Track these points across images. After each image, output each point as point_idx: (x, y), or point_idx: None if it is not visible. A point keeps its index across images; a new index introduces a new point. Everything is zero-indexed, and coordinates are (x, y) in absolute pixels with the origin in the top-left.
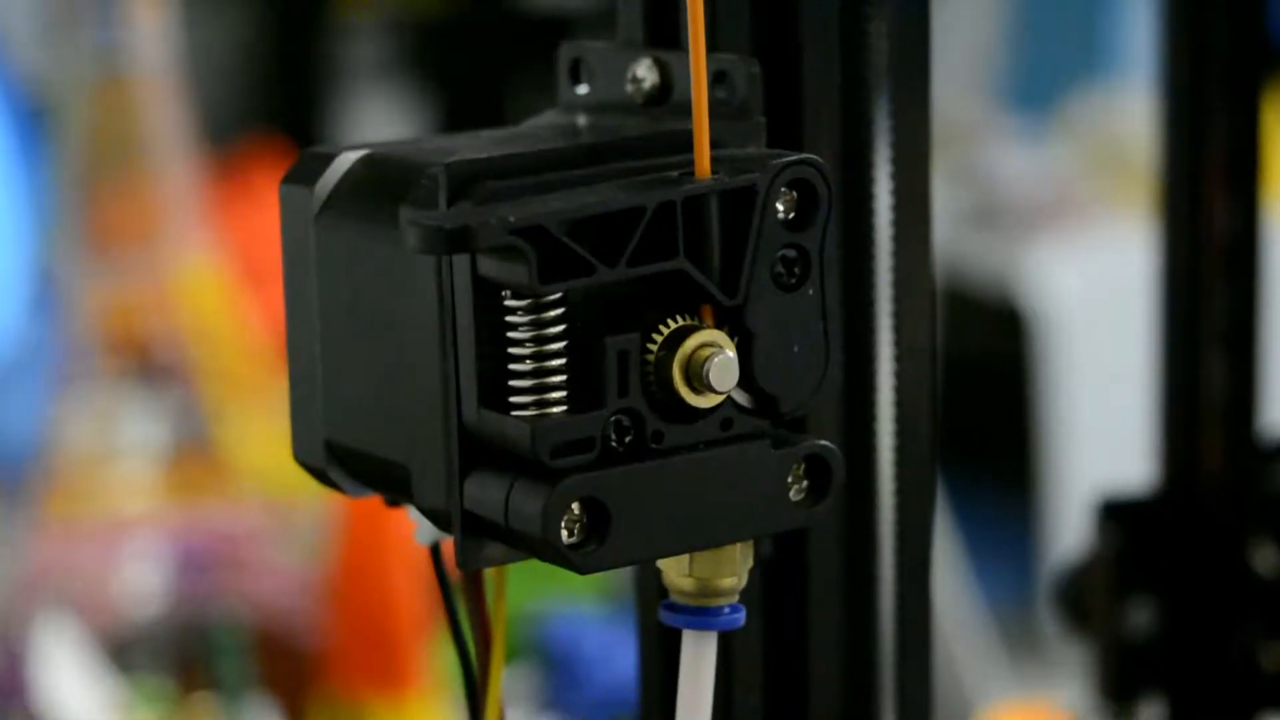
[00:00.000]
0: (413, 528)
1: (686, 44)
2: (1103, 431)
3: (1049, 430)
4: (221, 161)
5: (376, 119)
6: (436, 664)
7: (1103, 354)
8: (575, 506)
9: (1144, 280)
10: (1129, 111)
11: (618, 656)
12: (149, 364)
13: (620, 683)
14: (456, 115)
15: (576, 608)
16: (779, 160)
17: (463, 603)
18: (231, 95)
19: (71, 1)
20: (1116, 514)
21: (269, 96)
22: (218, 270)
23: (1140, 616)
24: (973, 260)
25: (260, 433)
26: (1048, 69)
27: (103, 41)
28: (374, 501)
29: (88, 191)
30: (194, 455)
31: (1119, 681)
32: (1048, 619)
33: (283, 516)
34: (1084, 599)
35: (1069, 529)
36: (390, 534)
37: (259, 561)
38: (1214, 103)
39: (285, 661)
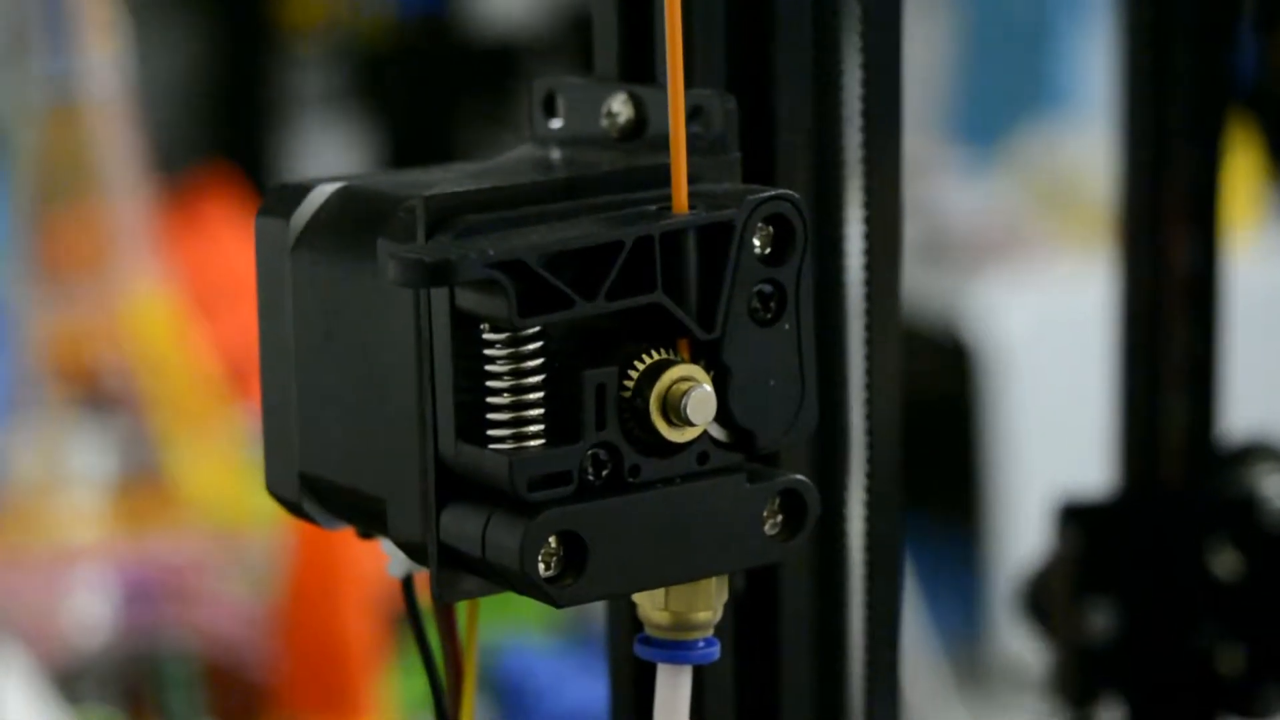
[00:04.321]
0: (363, 556)
1: (661, 79)
2: (1048, 466)
3: (995, 464)
4: (172, 191)
5: (325, 148)
6: (387, 693)
7: (1050, 389)
8: (553, 540)
9: (1091, 314)
10: (1076, 146)
11: (568, 688)
12: (98, 393)
13: (570, 714)
14: (404, 144)
15: (527, 639)
16: (756, 196)
17: (434, 634)
18: (182, 125)
19: (23, 30)
20: (1076, 516)
21: (219, 126)
22: (167, 300)
23: (1099, 619)
24: (919, 294)
25: (209, 463)
26: (995, 103)
27: (54, 70)
28: (323, 531)
29: (38, 220)
30: (142, 485)
31: (1078, 684)
32: (994, 650)
33: (231, 547)
34: (1046, 601)
35: (1015, 560)
36: (340, 565)
37: (207, 592)
38: (1176, 137)
39: (234, 692)
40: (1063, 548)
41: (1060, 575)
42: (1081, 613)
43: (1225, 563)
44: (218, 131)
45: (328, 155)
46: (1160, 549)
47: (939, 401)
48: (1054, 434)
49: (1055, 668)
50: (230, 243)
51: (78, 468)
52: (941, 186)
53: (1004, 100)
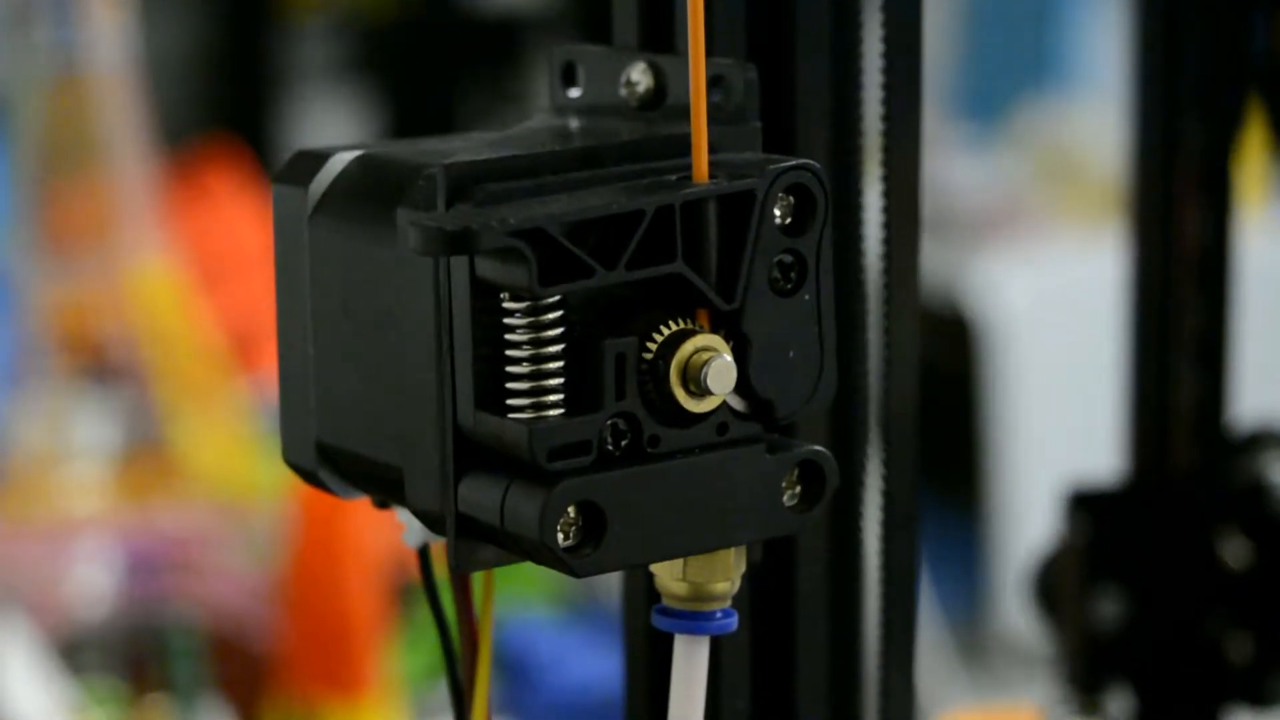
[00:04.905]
0: (367, 529)
1: (681, 48)
2: (1051, 439)
3: (997, 438)
4: (176, 162)
5: (328, 120)
6: (390, 666)
7: (1052, 363)
8: (571, 510)
9: (1094, 289)
10: (1078, 121)
11: (571, 661)
12: (102, 364)
13: (574, 687)
14: (407, 116)
15: (532, 612)
16: (777, 165)
17: (450, 604)
18: (186, 96)
19: (27, 1)
20: (1084, 504)
21: (223, 98)
22: (172, 271)
23: (1108, 607)
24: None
25: (213, 435)
26: (997, 78)
27: (59, 40)
28: (327, 503)
29: (43, 190)
30: (146, 456)
31: (1087, 672)
32: (996, 627)
33: (235, 518)
34: (1055, 589)
35: (1017, 536)
36: (344, 536)
37: (211, 563)
38: (1187, 112)
39: (238, 663)
40: (1071, 536)
41: (1069, 563)
42: (1090, 601)
43: (1234, 551)
44: (222, 103)
45: (331, 127)
46: (1169, 537)
47: (941, 376)
48: (1056, 408)
49: (1064, 656)
50: (234, 214)
51: (82, 439)
52: (945, 161)
53: (1007, 75)
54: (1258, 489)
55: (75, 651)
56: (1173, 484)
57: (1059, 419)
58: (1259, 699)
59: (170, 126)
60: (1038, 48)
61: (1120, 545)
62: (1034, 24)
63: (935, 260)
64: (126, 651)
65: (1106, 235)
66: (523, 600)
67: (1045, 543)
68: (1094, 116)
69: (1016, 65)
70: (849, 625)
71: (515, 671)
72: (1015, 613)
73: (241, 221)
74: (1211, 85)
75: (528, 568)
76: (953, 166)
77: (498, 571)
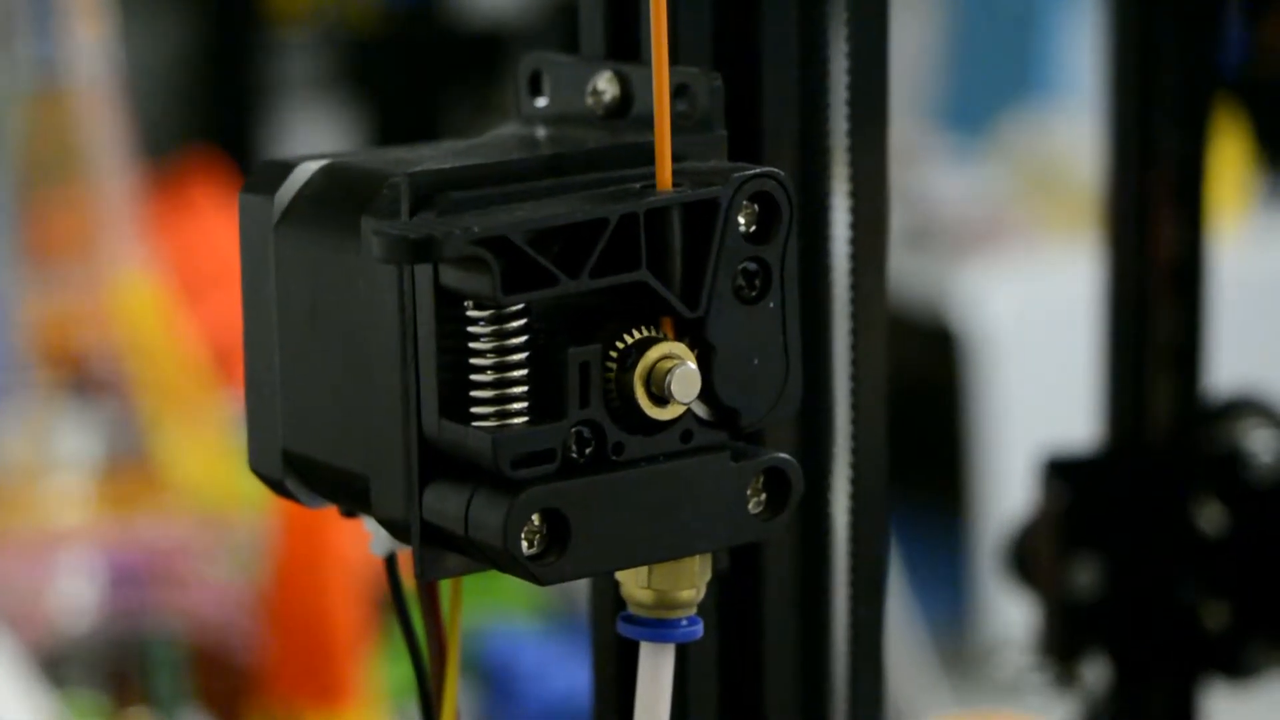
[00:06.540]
0: (349, 540)
1: (647, 57)
2: (1033, 450)
3: (980, 449)
4: (158, 176)
5: (312, 133)
6: (373, 677)
7: (1035, 374)
8: (536, 518)
9: (1077, 300)
10: (1063, 132)
11: (554, 672)
12: (84, 377)
13: (556, 698)
14: (390, 129)
15: (513, 623)
16: (741, 173)
17: (418, 614)
18: (168, 109)
19: (9, 14)
20: (1061, 471)
21: (206, 111)
22: (154, 284)
23: (1084, 575)
24: (905, 280)
25: (196, 447)
26: (982, 90)
27: (41, 54)
28: (309, 515)
29: (25, 204)
30: (129, 469)
31: (1062, 640)
32: (980, 635)
33: (218, 531)
34: (1030, 557)
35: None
36: (326, 548)
37: (194, 576)
38: (1162, 122)
39: (221, 676)
40: (1047, 503)
41: (1045, 531)
42: (1066, 569)
43: (1210, 519)
44: (204, 116)
45: (314, 141)
46: (1145, 505)
47: (924, 387)
48: (1039, 419)
49: (1040, 624)
50: (216, 227)
51: (64, 451)
52: (928, 172)
53: (991, 86)
54: (1234, 456)
55: (57, 664)
56: (1149, 451)
57: (1042, 429)
58: (1235, 667)
59: (153, 140)
60: (1022, 60)
61: (1096, 512)
62: (1018, 36)
63: (919, 272)
64: (109, 664)
65: (1090, 246)
66: (504, 611)
67: (1022, 511)
68: (1078, 128)
69: (1000, 77)
70: (817, 633)
71: (497, 682)
72: (998, 618)
73: (224, 234)
74: (1186, 96)
75: (508, 578)
76: (937, 178)
77: (480, 582)
